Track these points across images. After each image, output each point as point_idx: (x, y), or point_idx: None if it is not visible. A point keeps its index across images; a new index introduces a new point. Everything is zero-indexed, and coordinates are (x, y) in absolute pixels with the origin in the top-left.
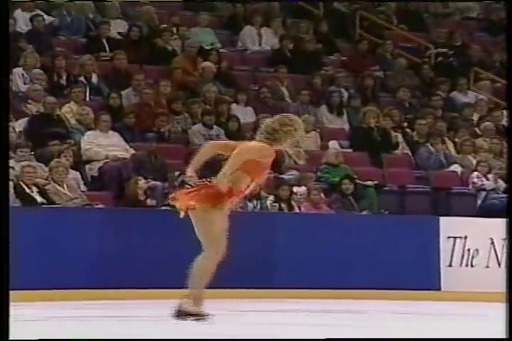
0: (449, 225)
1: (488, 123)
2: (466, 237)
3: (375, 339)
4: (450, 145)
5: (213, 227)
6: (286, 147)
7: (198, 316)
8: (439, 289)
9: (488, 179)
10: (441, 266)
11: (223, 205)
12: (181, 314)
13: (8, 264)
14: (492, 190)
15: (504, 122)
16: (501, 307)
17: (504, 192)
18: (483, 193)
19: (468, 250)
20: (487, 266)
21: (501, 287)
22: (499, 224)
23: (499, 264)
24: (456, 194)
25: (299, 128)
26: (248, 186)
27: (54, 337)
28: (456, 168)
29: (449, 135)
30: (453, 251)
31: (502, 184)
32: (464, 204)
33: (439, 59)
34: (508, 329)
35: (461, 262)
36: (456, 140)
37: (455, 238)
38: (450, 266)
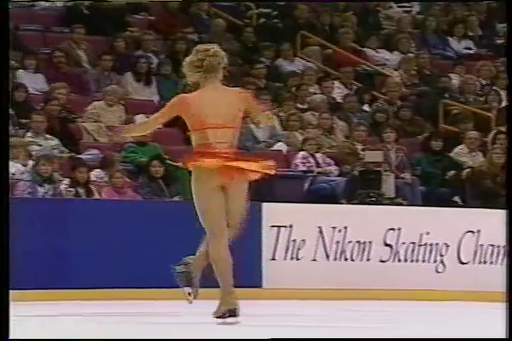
0: (272, 212)
1: (318, 95)
2: (291, 226)
3: (376, 339)
4: (274, 121)
5: None
6: None
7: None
8: (260, 286)
9: (316, 159)
10: (263, 259)
11: None
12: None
13: (8, 263)
14: (321, 172)
15: (335, 94)
16: (331, 306)
17: (339, 175)
18: (311, 176)
19: (294, 241)
20: (314, 259)
21: (329, 283)
22: (328, 210)
23: (327, 256)
24: (281, 177)
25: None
26: None
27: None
28: (280, 146)
29: (274, 108)
30: (277, 242)
31: (332, 165)
32: (289, 189)
33: (262, 20)
34: (508, 329)
35: (286, 255)
36: (281, 114)
37: (279, 227)
38: (273, 259)
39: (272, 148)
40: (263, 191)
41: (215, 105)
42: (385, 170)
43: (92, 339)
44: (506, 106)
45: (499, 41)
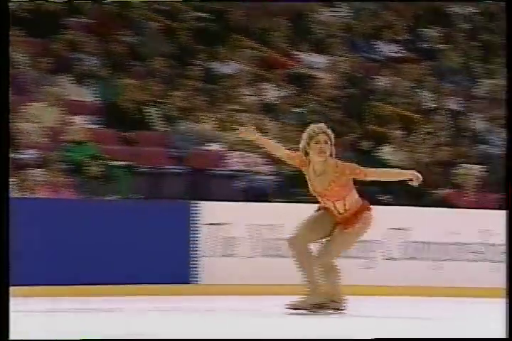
0: (208, 211)
1: (251, 97)
2: (226, 224)
3: (376, 339)
4: (210, 121)
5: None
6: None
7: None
8: (196, 282)
9: (250, 159)
10: (200, 256)
11: None
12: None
13: (8, 262)
14: (254, 171)
15: (268, 96)
16: (269, 300)
17: (272, 175)
18: (246, 175)
19: (230, 238)
20: (250, 256)
21: (262, 279)
22: (263, 209)
23: (261, 253)
24: (217, 176)
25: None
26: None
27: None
28: (216, 146)
29: (209, 109)
30: (212, 239)
31: (266, 165)
32: (224, 188)
33: (197, 24)
34: (508, 329)
35: (221, 252)
36: (217, 115)
37: (215, 225)
38: (209, 256)
39: (207, 148)
40: (199, 190)
41: None
42: None
43: (92, 339)
44: (506, 111)
45: (424, 45)
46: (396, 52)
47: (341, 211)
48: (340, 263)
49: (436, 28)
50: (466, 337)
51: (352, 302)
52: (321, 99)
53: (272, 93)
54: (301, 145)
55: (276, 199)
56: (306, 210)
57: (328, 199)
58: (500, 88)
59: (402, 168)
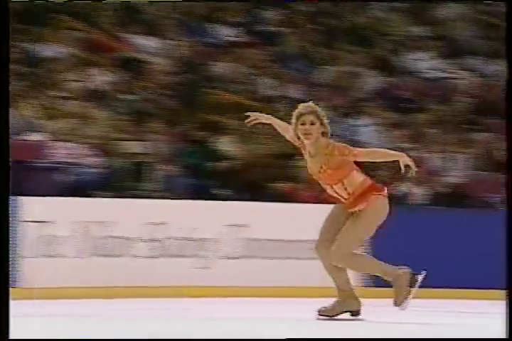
0: (28, 207)
1: (77, 82)
2: (49, 221)
3: (377, 339)
4: (30, 109)
5: None
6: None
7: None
8: (14, 286)
9: (75, 150)
10: (18, 257)
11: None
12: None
13: (8, 262)
14: (82, 163)
15: (96, 82)
16: (100, 304)
17: (101, 167)
18: (70, 167)
19: (53, 237)
20: (77, 256)
21: (97, 280)
22: (90, 204)
23: (89, 253)
24: (38, 168)
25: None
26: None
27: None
28: (37, 136)
29: (29, 95)
30: (33, 238)
31: (94, 156)
32: (46, 181)
33: (14, 1)
34: (508, 329)
35: (43, 252)
36: (38, 102)
37: (36, 222)
38: (29, 257)
39: (27, 138)
40: (18, 184)
41: None
42: (150, 162)
43: (91, 339)
44: (506, 105)
45: (263, 29)
46: (233, 36)
47: (345, 196)
48: (170, 262)
49: (276, 10)
50: (466, 337)
51: (190, 304)
52: (153, 85)
53: (99, 78)
54: (292, 128)
55: (106, 194)
56: (138, 206)
57: (325, 183)
58: (343, 75)
59: (240, 160)
